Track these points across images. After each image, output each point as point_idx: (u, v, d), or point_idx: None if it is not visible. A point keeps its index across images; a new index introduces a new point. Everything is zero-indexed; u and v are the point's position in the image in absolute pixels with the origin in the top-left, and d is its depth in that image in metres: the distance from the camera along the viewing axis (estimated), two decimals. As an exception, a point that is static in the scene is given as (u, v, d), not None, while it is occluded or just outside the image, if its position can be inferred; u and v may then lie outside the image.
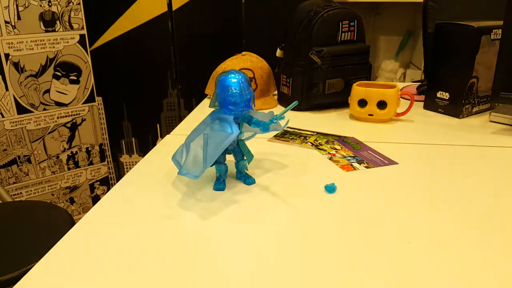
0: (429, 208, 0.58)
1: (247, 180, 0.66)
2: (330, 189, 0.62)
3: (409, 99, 1.17)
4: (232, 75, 0.60)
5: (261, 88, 1.16)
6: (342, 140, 0.85)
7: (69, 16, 1.46)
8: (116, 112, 1.74)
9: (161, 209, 0.58)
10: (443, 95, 1.00)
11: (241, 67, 1.14)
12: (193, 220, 0.55)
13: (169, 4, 1.66)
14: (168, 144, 0.85)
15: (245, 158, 0.66)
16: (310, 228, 0.53)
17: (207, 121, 0.63)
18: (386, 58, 2.54)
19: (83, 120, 1.63)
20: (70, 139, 1.64)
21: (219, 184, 0.64)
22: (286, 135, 0.88)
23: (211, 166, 0.66)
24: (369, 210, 0.57)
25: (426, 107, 1.06)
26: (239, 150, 0.65)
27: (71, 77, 1.53)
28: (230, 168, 0.72)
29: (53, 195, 1.67)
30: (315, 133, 0.89)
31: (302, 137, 0.87)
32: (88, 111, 1.63)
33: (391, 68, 2.50)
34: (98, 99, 1.71)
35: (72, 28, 1.47)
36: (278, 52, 1.15)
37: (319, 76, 1.01)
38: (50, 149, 1.60)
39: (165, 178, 0.69)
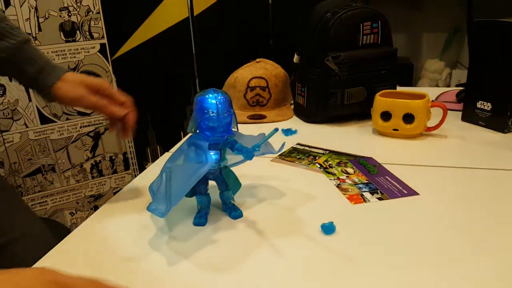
0: (458, 258, 0.45)
1: (233, 213, 0.57)
2: (328, 229, 0.51)
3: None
4: (210, 95, 0.51)
5: (276, 98, 1.06)
6: (358, 161, 0.73)
7: (89, 25, 1.44)
8: (140, 121, 1.71)
9: (129, 248, 0.51)
10: (484, 105, 0.85)
11: (253, 75, 1.05)
12: (157, 265, 0.47)
13: (190, 10, 1.60)
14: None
15: (230, 188, 0.57)
16: (295, 281, 0.43)
17: (183, 147, 0.55)
18: (430, 57, 2.34)
19: (105, 129, 1.62)
20: (94, 148, 1.63)
21: (199, 218, 0.56)
22: (294, 154, 0.78)
23: (191, 197, 0.58)
24: (372, 260, 0.46)
25: (464, 118, 0.91)
26: (222, 179, 0.56)
27: (92, 86, 1.52)
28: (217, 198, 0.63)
29: (77, 203, 1.68)
30: (327, 152, 0.78)
31: (311, 157, 0.76)
32: (111, 120, 1.61)
33: (436, 68, 2.29)
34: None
35: (92, 37, 1.46)
36: (295, 58, 1.05)
37: (337, 84, 0.90)
38: (74, 158, 1.60)
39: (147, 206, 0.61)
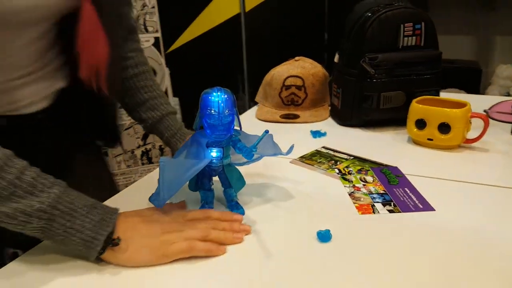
0: (458, 283, 0.42)
1: (234, 210, 0.57)
2: (323, 236, 0.49)
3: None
4: (214, 93, 0.51)
5: (312, 98, 1.04)
6: (380, 170, 0.69)
7: (144, 19, 1.51)
8: (191, 113, 1.77)
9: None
10: (537, 119, 0.76)
11: (289, 74, 1.03)
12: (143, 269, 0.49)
13: (242, 6, 1.62)
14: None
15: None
16: (278, 284, 0.42)
17: (187, 143, 0.56)
18: (502, 63, 2.13)
19: (156, 119, 1.71)
20: (145, 136, 1.72)
21: None
22: (316, 157, 0.76)
23: (195, 191, 0.59)
24: (357, 275, 0.43)
25: (515, 132, 0.82)
26: (225, 177, 0.56)
27: (145, 78, 1.60)
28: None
29: (126, 186, 1.79)
30: (351, 157, 0.75)
31: (333, 162, 0.74)
32: (161, 110, 1.69)
33: (508, 75, 2.09)
34: (175, 100, 1.76)
35: (147, 31, 1.53)
36: (336, 57, 1.01)
37: (372, 87, 0.86)
38: (126, 145, 1.70)
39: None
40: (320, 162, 0.74)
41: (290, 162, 0.75)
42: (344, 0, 1.76)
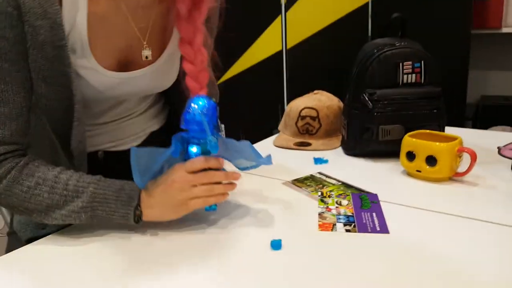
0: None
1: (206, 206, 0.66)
2: (275, 245, 0.57)
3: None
4: (201, 98, 0.62)
5: (326, 128, 1.11)
6: (359, 195, 0.75)
7: (195, 54, 1.71)
8: (235, 137, 1.92)
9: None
10: (530, 157, 0.76)
11: (305, 105, 1.12)
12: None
13: (284, 43, 1.75)
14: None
15: None
16: (226, 281, 0.51)
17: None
18: None
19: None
20: (190, 158, 1.90)
21: None
22: (307, 180, 0.83)
23: None
24: (297, 281, 0.51)
25: (514, 169, 0.82)
26: None
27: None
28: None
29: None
30: (339, 183, 0.81)
31: (321, 185, 0.81)
32: (206, 135, 1.87)
33: None
34: (222, 126, 1.92)
35: (197, 64, 1.73)
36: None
37: (372, 120, 0.91)
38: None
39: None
40: (309, 185, 0.81)
41: (283, 183, 0.83)
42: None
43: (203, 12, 0.69)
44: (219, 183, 0.64)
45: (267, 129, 1.93)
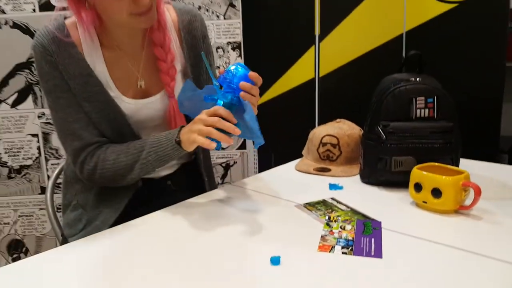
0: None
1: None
2: (274, 261, 0.64)
3: None
4: (239, 65, 0.81)
5: (346, 156, 1.17)
6: (364, 222, 0.80)
7: (232, 80, 1.84)
8: (265, 160, 2.01)
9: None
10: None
11: (327, 133, 1.19)
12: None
13: (317, 71, 1.83)
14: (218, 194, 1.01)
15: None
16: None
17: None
18: None
19: (235, 162, 1.97)
20: (223, 176, 1.99)
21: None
22: (319, 205, 0.90)
23: None
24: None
25: (522, 206, 0.84)
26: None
27: (228, 127, 1.91)
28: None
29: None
30: (348, 209, 0.87)
31: (330, 210, 0.87)
32: (239, 156, 1.95)
33: None
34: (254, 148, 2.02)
35: (233, 89, 1.86)
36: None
37: (385, 151, 0.96)
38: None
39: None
40: (319, 209, 0.88)
41: (295, 205, 0.90)
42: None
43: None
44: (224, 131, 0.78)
45: (298, 152, 2.01)
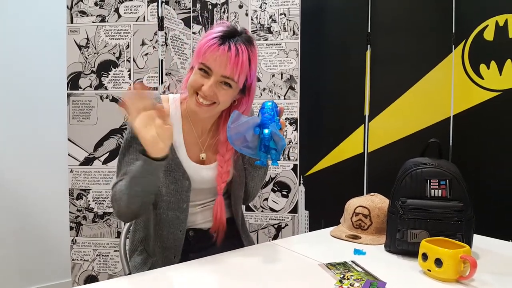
0: None
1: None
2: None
3: None
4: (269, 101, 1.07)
5: (376, 226, 1.32)
6: (371, 282, 0.95)
7: (288, 151, 2.09)
8: (316, 224, 2.17)
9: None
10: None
11: (360, 204, 1.36)
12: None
13: (365, 147, 2.02)
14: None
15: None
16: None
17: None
18: None
19: (286, 224, 2.15)
20: (275, 237, 2.17)
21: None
22: (339, 265, 1.06)
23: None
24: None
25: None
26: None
27: (283, 192, 2.12)
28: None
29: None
30: (363, 271, 1.02)
31: (347, 270, 1.02)
32: (291, 219, 2.14)
33: None
34: (306, 212, 2.20)
35: (289, 159, 2.09)
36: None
37: (402, 224, 1.11)
38: (260, 241, 2.19)
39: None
40: (338, 268, 1.04)
41: (318, 264, 1.07)
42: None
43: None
44: None
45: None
